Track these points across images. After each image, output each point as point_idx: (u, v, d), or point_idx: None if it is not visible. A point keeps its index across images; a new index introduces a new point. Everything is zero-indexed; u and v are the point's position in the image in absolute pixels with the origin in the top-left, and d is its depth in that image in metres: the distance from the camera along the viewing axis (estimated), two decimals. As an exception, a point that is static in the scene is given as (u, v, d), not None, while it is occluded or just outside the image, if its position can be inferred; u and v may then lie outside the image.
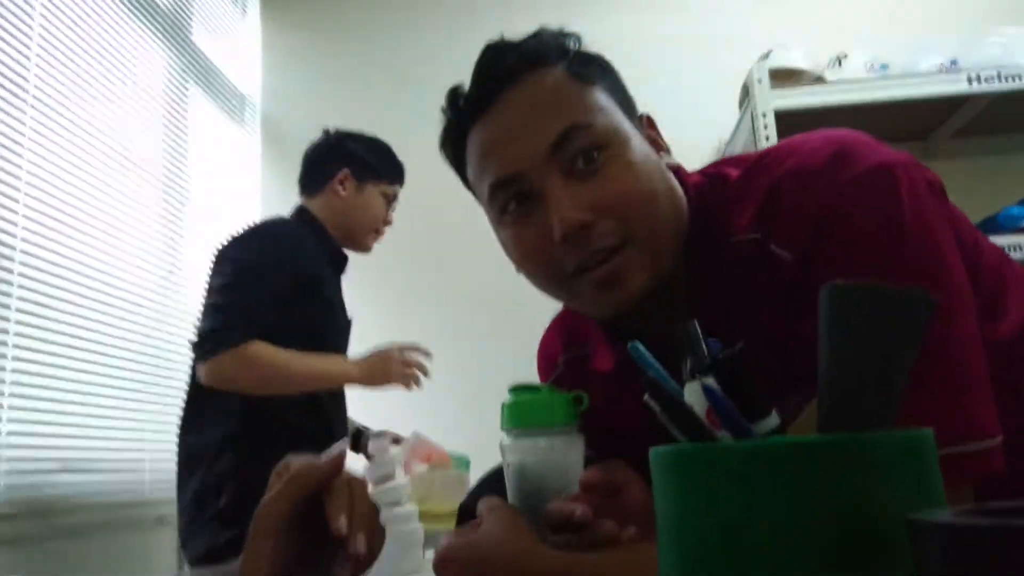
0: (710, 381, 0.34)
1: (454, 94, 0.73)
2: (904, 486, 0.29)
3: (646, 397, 0.35)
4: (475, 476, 1.22)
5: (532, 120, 0.67)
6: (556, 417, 0.65)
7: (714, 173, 0.73)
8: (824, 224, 0.61)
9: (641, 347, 0.40)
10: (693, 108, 2.51)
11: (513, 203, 0.69)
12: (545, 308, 0.86)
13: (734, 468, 0.30)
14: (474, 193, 0.76)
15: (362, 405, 2.53)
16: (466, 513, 0.77)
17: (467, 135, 0.72)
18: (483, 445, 1.19)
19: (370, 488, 1.05)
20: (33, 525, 1.53)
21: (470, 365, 2.47)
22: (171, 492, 2.07)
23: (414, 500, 1.10)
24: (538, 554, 0.54)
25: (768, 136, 2.06)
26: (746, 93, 2.22)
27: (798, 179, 0.64)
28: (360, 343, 2.57)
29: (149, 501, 1.98)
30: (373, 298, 2.64)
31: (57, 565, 1.57)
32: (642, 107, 0.77)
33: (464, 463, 1.23)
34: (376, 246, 2.65)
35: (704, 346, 0.37)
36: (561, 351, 0.86)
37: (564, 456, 0.65)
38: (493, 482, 0.78)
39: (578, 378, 0.80)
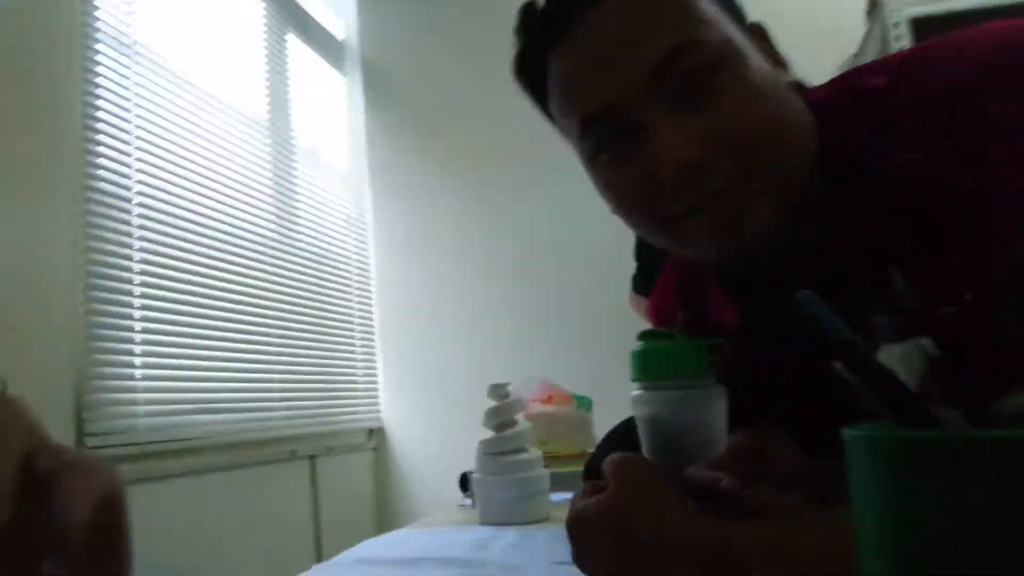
0: (926, 343, 0.27)
1: (528, 11, 0.62)
2: None
3: (837, 365, 0.28)
4: (598, 418, 1.17)
5: (626, 40, 0.56)
6: (691, 366, 0.58)
7: (848, 87, 0.61)
8: (1016, 139, 0.50)
9: (814, 298, 0.33)
10: (813, 19, 2.28)
11: (608, 140, 0.59)
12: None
13: (978, 461, 0.23)
14: (558, 128, 0.65)
15: (486, 351, 2.54)
16: (591, 471, 0.73)
17: (547, 60, 0.61)
18: (608, 388, 1.14)
19: (491, 435, 1.03)
20: (172, 464, 1.61)
21: (595, 306, 2.40)
22: (300, 428, 2.15)
23: (536, 443, 1.08)
24: (688, 524, 0.48)
25: (903, 49, 1.83)
26: (875, 1, 1.98)
27: (976, 85, 0.52)
28: (493, 282, 2.56)
29: (281, 438, 2.06)
30: (506, 236, 2.61)
31: (197, 501, 1.66)
32: (754, 19, 0.65)
33: (587, 403, 1.19)
34: (501, 186, 2.57)
35: (908, 297, 0.29)
36: (677, 304, 0.77)
37: (702, 410, 0.58)
38: (622, 437, 0.72)
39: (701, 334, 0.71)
